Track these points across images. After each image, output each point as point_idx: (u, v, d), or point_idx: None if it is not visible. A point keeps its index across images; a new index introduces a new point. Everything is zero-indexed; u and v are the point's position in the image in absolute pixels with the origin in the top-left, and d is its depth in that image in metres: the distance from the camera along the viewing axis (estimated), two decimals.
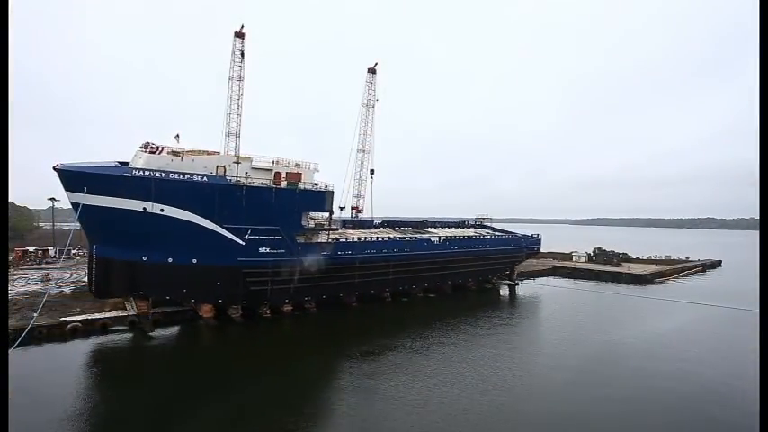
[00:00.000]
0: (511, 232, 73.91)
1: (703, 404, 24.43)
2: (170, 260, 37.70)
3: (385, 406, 23.02)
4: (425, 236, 56.14)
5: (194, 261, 38.36)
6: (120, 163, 39.85)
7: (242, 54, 42.11)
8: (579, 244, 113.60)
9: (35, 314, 33.97)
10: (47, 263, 67.97)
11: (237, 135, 42.63)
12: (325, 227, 47.34)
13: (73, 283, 50.72)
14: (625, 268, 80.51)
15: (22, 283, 49.50)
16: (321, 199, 44.26)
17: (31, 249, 73.41)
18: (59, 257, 71.28)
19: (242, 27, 42.21)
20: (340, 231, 51.45)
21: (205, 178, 38.05)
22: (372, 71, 48.96)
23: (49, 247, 75.55)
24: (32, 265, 66.30)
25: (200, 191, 37.62)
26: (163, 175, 36.46)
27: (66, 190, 36.54)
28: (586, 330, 41.06)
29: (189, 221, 37.41)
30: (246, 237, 39.62)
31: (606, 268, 79.45)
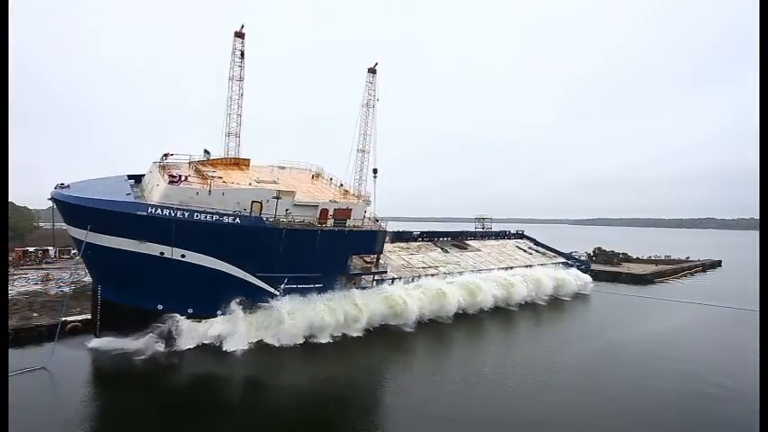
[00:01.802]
0: (554, 250, 69.54)
1: (704, 401, 24.49)
2: (190, 311, 31.71)
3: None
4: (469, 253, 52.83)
5: (219, 313, 32.29)
6: (129, 176, 36.31)
7: (242, 54, 42.06)
8: (579, 244, 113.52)
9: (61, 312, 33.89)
10: (47, 263, 67.94)
11: (237, 135, 42.62)
12: (373, 269, 40.61)
13: (73, 283, 50.72)
14: (625, 268, 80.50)
15: (22, 283, 49.47)
16: (372, 240, 38.59)
17: (31, 249, 73.37)
18: (59, 257, 71.37)
19: (242, 27, 42.19)
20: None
21: (238, 220, 31.32)
22: (372, 71, 48.87)
23: (49, 247, 75.50)
24: (32, 265, 66.28)
25: (231, 235, 31.15)
26: (186, 215, 29.62)
27: (65, 223, 31.72)
28: (587, 329, 41.17)
29: (215, 269, 31.44)
30: (282, 286, 33.81)
31: (606, 268, 79.45)
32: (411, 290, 41.00)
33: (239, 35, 42.15)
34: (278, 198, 33.41)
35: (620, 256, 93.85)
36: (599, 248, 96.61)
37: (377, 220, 39.85)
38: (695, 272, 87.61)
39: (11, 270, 57.54)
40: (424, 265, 50.82)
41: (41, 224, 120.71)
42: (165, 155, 35.29)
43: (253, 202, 32.92)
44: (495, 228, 78.94)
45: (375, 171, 47.92)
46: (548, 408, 23.24)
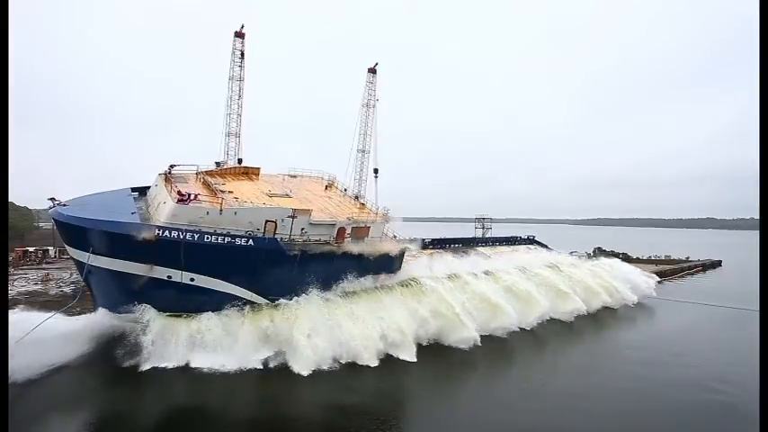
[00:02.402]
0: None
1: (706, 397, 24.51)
2: None
3: None
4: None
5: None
6: (133, 190, 34.82)
7: (242, 54, 42.01)
8: (579, 244, 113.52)
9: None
10: (47, 263, 67.94)
11: (237, 135, 42.58)
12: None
13: (73, 283, 50.71)
14: None
15: (22, 283, 49.48)
16: (391, 262, 36.57)
17: (31, 249, 73.40)
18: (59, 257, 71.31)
19: (242, 27, 42.15)
20: None
21: (251, 242, 29.46)
22: (373, 71, 48.84)
23: (49, 247, 75.54)
24: (32, 265, 66.28)
25: (244, 258, 29.26)
26: (195, 237, 27.65)
27: (65, 244, 30.05)
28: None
29: (226, 293, 29.63)
30: None
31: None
32: (454, 291, 36.47)
33: (239, 35, 42.12)
34: (293, 217, 31.57)
35: (620, 256, 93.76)
36: (599, 248, 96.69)
37: (395, 236, 37.62)
38: (695, 272, 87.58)
39: (11, 270, 57.53)
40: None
41: (41, 224, 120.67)
42: (172, 166, 33.83)
43: (267, 221, 30.85)
44: (496, 228, 78.80)
45: (376, 171, 47.77)
46: None
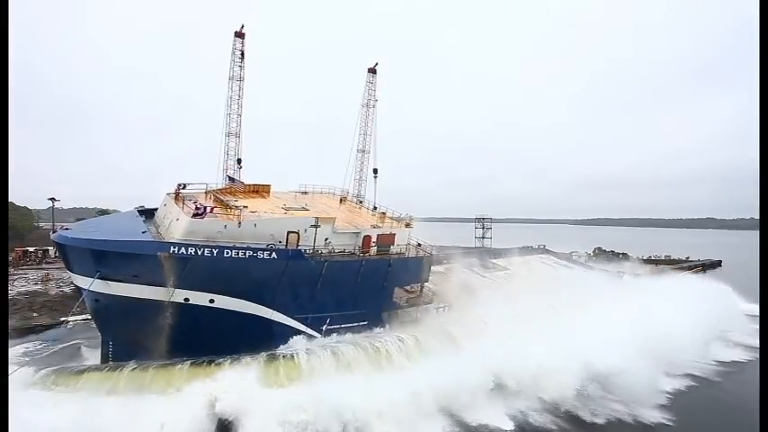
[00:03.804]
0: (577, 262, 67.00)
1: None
2: None
3: None
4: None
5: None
6: (140, 212, 33.29)
7: (242, 54, 42.00)
8: (579, 244, 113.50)
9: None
10: (47, 263, 67.97)
11: (237, 135, 42.59)
12: (417, 300, 35.36)
13: (73, 282, 50.78)
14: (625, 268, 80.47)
15: (22, 283, 49.54)
16: (418, 268, 34.28)
17: (31, 249, 73.45)
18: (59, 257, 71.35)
19: (242, 27, 42.13)
20: None
21: (274, 255, 27.05)
22: (373, 71, 48.82)
23: (49, 247, 75.54)
24: (32, 265, 66.31)
25: (267, 273, 26.99)
26: (214, 252, 25.33)
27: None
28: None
29: (250, 314, 27.25)
30: (324, 327, 29.66)
31: (606, 268, 79.45)
32: None
33: (239, 35, 42.12)
34: (317, 226, 29.61)
35: (620, 256, 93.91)
36: (599, 248, 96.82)
37: (419, 245, 35.82)
38: (695, 272, 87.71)
39: (11, 270, 57.61)
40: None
41: (41, 224, 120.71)
42: (181, 185, 32.46)
43: (289, 232, 28.97)
44: (496, 228, 78.75)
45: (375, 171, 47.76)
46: None
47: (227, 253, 25.69)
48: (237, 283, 26.38)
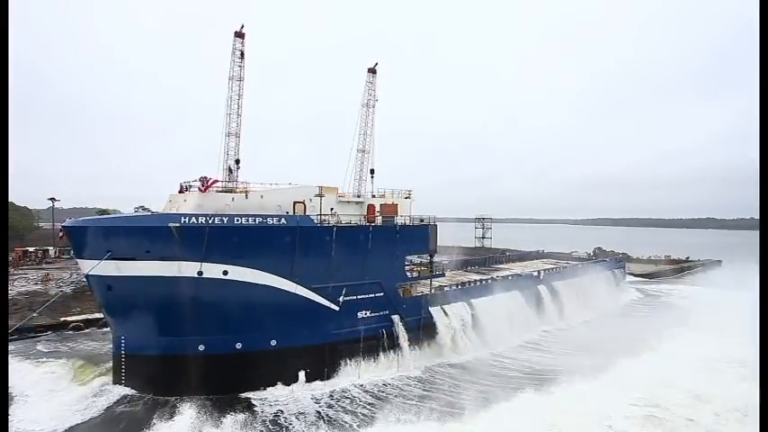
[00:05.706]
0: (577, 258, 67.41)
1: None
2: (238, 346, 26.57)
3: None
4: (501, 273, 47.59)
5: (273, 343, 27.30)
6: (141, 209, 34.52)
7: (242, 54, 41.99)
8: (579, 244, 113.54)
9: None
10: (47, 263, 67.99)
11: (237, 135, 42.56)
12: (428, 272, 35.86)
13: (73, 282, 50.78)
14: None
15: (22, 283, 49.54)
16: (425, 237, 34.79)
17: (31, 249, 73.47)
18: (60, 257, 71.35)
19: (242, 27, 42.11)
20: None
21: (284, 221, 27.18)
22: (373, 71, 48.81)
23: (49, 247, 75.59)
24: (32, 265, 66.31)
25: (279, 239, 27.10)
26: (225, 220, 25.65)
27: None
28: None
29: (266, 286, 26.79)
30: (341, 299, 29.45)
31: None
32: None
33: (239, 35, 42.13)
34: (321, 196, 30.40)
35: (621, 255, 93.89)
36: (599, 248, 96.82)
37: (422, 220, 36.02)
38: (695, 272, 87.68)
39: (11, 270, 57.63)
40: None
41: (41, 224, 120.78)
42: (185, 185, 32.28)
43: (294, 202, 30.47)
44: (496, 228, 78.98)
45: (372, 171, 48.03)
46: None
47: (238, 220, 26.05)
48: (252, 252, 26.37)
